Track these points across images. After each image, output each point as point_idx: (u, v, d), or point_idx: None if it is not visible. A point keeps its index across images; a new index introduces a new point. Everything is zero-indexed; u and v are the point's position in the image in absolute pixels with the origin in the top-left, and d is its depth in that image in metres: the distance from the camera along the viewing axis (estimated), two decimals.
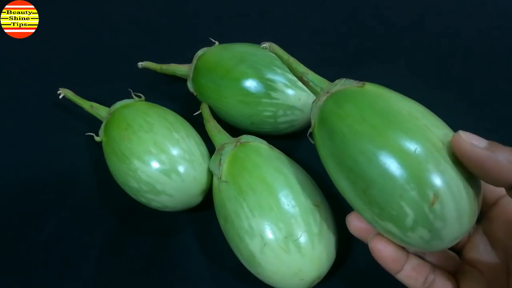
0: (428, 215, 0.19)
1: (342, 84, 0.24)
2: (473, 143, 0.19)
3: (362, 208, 0.22)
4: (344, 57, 0.42)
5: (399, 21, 0.46)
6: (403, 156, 0.19)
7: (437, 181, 0.19)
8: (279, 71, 0.32)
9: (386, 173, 0.20)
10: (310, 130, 0.25)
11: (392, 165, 0.20)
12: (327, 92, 0.24)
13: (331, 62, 0.41)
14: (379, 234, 0.23)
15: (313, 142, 0.25)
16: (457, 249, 0.25)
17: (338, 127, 0.22)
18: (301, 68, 0.26)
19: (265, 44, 0.27)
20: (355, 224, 0.24)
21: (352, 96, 0.23)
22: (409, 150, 0.19)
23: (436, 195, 0.19)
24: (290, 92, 0.32)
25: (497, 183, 0.19)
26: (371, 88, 0.23)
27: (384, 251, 0.23)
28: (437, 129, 0.20)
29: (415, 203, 0.19)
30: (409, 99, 0.22)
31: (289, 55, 0.27)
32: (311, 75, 0.26)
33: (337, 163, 0.22)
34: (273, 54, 0.33)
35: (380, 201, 0.20)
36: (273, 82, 0.32)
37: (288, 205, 0.25)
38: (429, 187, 0.19)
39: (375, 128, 0.21)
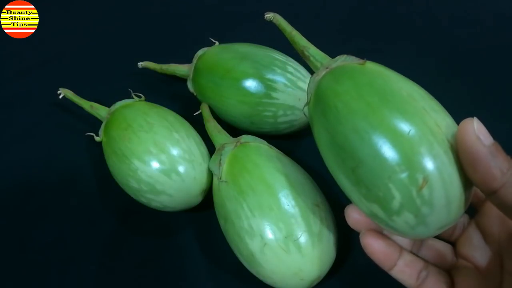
0: (415, 199, 0.19)
1: (343, 60, 0.23)
2: (479, 136, 0.18)
3: (350, 188, 0.21)
4: None
5: (399, 21, 0.46)
6: (396, 137, 0.19)
7: (428, 165, 0.18)
8: (279, 71, 0.32)
9: (376, 153, 0.19)
10: (305, 104, 0.25)
11: (384, 145, 0.19)
12: (327, 68, 0.23)
13: None
14: (370, 229, 0.23)
15: (307, 118, 0.24)
16: (451, 242, 0.25)
17: (333, 103, 0.21)
18: (303, 42, 0.26)
19: (269, 15, 0.27)
20: (354, 216, 0.23)
21: (351, 72, 0.22)
22: (403, 131, 0.19)
23: (426, 179, 0.18)
24: (290, 92, 0.32)
25: (479, 185, 0.19)
26: (372, 66, 0.22)
27: (375, 246, 0.23)
28: (435, 113, 0.20)
29: (403, 186, 0.19)
30: (411, 81, 0.22)
31: (293, 28, 0.26)
32: (313, 50, 0.25)
33: (328, 139, 0.22)
34: (273, 54, 0.34)
35: (368, 181, 0.20)
36: (273, 82, 0.32)
37: (288, 205, 0.25)
38: (419, 170, 0.18)
39: (371, 106, 0.20)
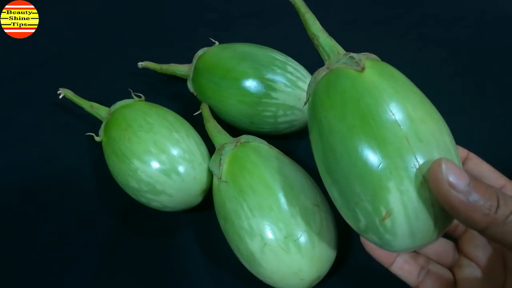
0: (379, 227, 0.19)
1: (344, 62, 0.22)
2: (451, 183, 0.17)
3: (332, 193, 0.22)
4: None
5: (399, 22, 0.46)
6: (365, 168, 0.19)
7: (392, 200, 0.18)
8: (279, 71, 0.32)
9: (347, 178, 0.20)
10: (305, 103, 0.24)
11: (354, 173, 0.19)
12: (327, 68, 0.23)
13: None
14: None
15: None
16: (454, 237, 0.25)
17: (319, 116, 0.21)
18: (314, 28, 0.24)
19: None
20: None
21: (343, 84, 0.21)
22: (373, 164, 0.19)
23: (389, 213, 0.18)
24: (290, 92, 0.32)
25: (467, 226, 0.18)
26: (368, 75, 0.21)
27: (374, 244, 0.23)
28: (418, 144, 0.18)
29: (368, 213, 0.19)
30: (411, 90, 0.20)
31: (308, 10, 0.24)
32: (322, 39, 0.24)
33: (317, 146, 0.22)
34: (273, 54, 0.34)
35: (340, 199, 0.21)
36: (273, 82, 0.32)
37: (288, 205, 0.25)
38: (383, 204, 0.18)
39: (350, 130, 0.19)
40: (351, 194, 0.20)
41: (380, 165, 0.18)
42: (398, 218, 0.18)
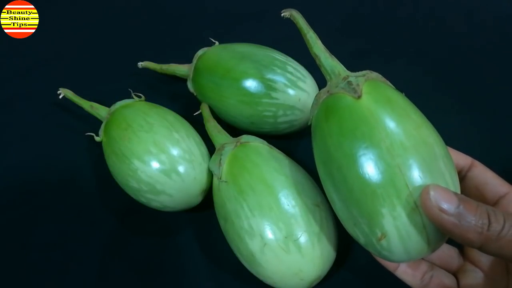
0: (376, 245, 0.21)
1: (342, 87, 0.22)
2: (441, 208, 0.18)
3: (334, 209, 0.23)
4: (344, 58, 0.42)
5: (399, 21, 0.46)
6: (360, 195, 0.20)
7: (386, 224, 0.20)
8: (279, 71, 0.32)
9: (345, 202, 0.21)
10: (310, 122, 0.25)
11: (350, 199, 0.21)
12: (327, 92, 0.23)
13: None
14: None
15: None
16: (458, 245, 0.25)
17: (319, 141, 0.23)
18: (316, 49, 0.24)
19: (285, 13, 0.25)
20: None
21: (341, 112, 0.22)
22: (368, 192, 0.20)
23: (384, 234, 0.20)
24: (290, 92, 0.32)
25: (464, 244, 0.19)
26: (365, 103, 0.21)
27: None
28: (410, 171, 0.19)
29: (365, 234, 0.21)
30: (411, 117, 0.21)
31: (310, 29, 0.25)
32: (324, 60, 0.24)
33: (319, 168, 0.23)
34: (273, 54, 0.34)
35: (341, 218, 0.23)
36: (273, 82, 0.32)
37: (288, 205, 0.25)
38: (378, 227, 0.20)
39: (346, 158, 0.21)
40: (348, 216, 0.21)
41: (374, 193, 0.20)
42: (392, 239, 0.20)
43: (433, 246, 0.20)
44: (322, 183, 0.23)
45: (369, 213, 0.20)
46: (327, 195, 0.23)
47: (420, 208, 0.19)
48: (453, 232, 0.18)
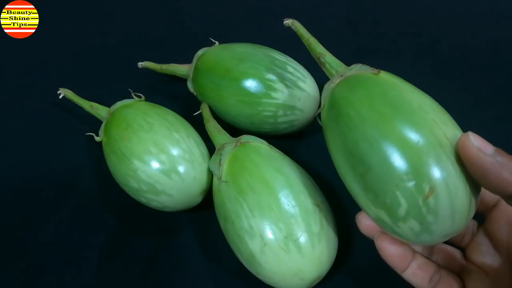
0: (421, 207, 0.19)
1: (358, 69, 0.24)
2: (480, 147, 0.19)
3: (359, 193, 0.22)
4: (345, 57, 0.42)
5: (399, 21, 0.46)
6: (404, 147, 0.19)
7: (435, 175, 0.19)
8: (279, 71, 0.32)
9: (385, 161, 0.20)
10: (319, 111, 0.25)
11: (393, 154, 0.20)
12: (341, 76, 0.24)
13: None
14: (384, 232, 0.23)
15: (320, 124, 0.25)
16: (461, 248, 0.25)
17: (345, 110, 0.22)
18: (319, 49, 0.26)
19: (288, 21, 0.27)
20: (365, 222, 0.23)
21: (365, 82, 0.23)
22: (412, 141, 0.19)
23: (432, 189, 0.19)
24: (290, 92, 0.32)
25: (495, 192, 0.19)
26: (385, 76, 0.23)
27: (390, 249, 0.23)
28: (445, 126, 0.20)
29: (410, 194, 0.19)
30: (424, 93, 0.22)
31: (310, 35, 0.27)
32: (329, 57, 0.26)
33: (340, 146, 0.22)
34: (273, 54, 0.34)
35: (375, 187, 0.20)
36: (273, 82, 0.32)
37: (288, 205, 0.25)
38: (426, 180, 0.19)
39: (382, 116, 0.21)
40: (389, 178, 0.20)
41: (419, 142, 0.19)
42: (441, 194, 0.19)
43: (471, 208, 0.20)
44: (343, 163, 0.22)
45: (414, 165, 0.19)
46: (349, 177, 0.22)
47: (460, 158, 0.19)
48: (490, 172, 0.18)
